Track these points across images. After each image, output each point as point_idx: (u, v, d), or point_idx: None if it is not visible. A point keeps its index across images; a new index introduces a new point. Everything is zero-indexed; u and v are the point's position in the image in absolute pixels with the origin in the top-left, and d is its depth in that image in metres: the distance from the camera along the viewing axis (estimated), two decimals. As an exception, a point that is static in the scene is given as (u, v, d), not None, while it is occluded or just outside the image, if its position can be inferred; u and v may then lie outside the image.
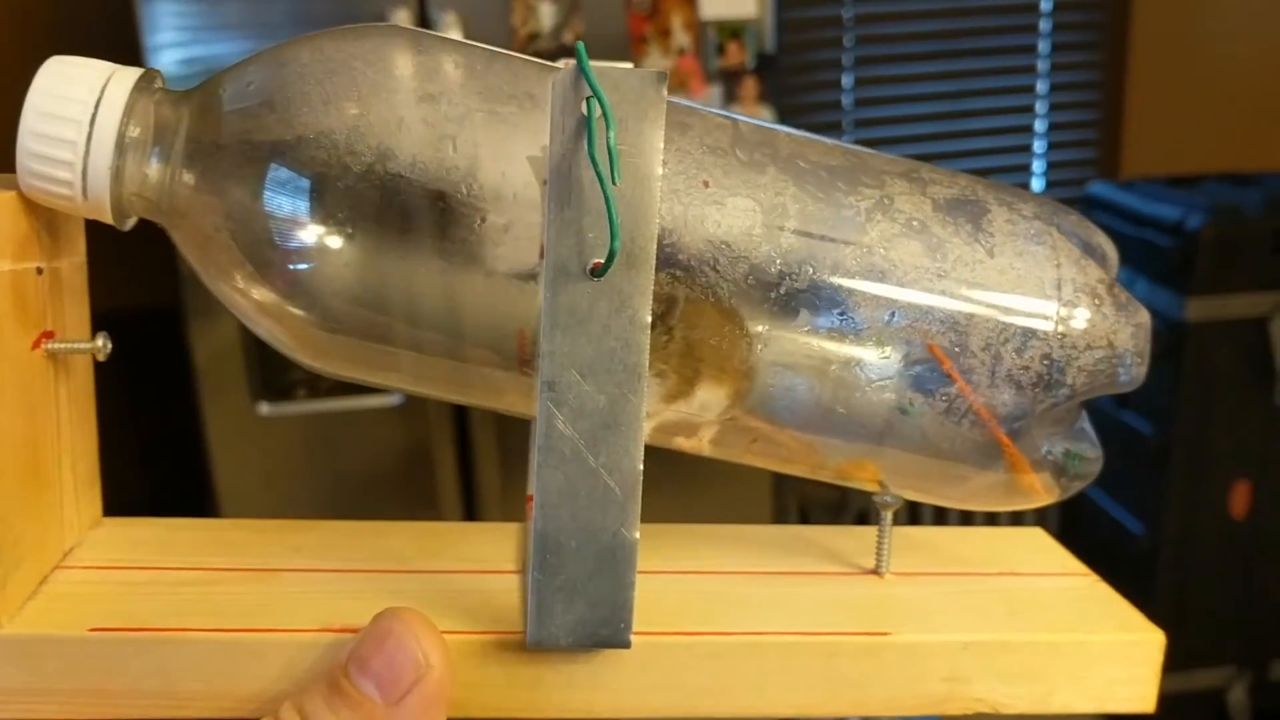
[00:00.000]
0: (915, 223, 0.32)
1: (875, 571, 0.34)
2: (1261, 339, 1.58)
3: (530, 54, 0.32)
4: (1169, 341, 1.61)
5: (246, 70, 0.29)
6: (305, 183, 0.28)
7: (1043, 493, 0.33)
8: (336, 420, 1.35)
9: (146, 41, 1.26)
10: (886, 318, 0.31)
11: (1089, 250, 0.33)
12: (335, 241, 0.28)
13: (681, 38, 1.30)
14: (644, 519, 0.35)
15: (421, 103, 0.29)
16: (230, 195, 0.28)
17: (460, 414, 1.36)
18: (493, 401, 0.32)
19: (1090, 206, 1.84)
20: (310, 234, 0.28)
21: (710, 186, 0.31)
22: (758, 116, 1.35)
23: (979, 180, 0.34)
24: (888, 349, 0.31)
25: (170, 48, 1.27)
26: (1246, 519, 1.67)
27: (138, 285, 1.41)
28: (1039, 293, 0.32)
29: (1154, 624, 0.32)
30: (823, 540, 0.37)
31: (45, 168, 0.28)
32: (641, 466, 0.28)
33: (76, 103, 0.28)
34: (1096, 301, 0.32)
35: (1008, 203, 0.33)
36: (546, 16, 1.25)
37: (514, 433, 1.35)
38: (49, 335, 0.30)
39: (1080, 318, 0.32)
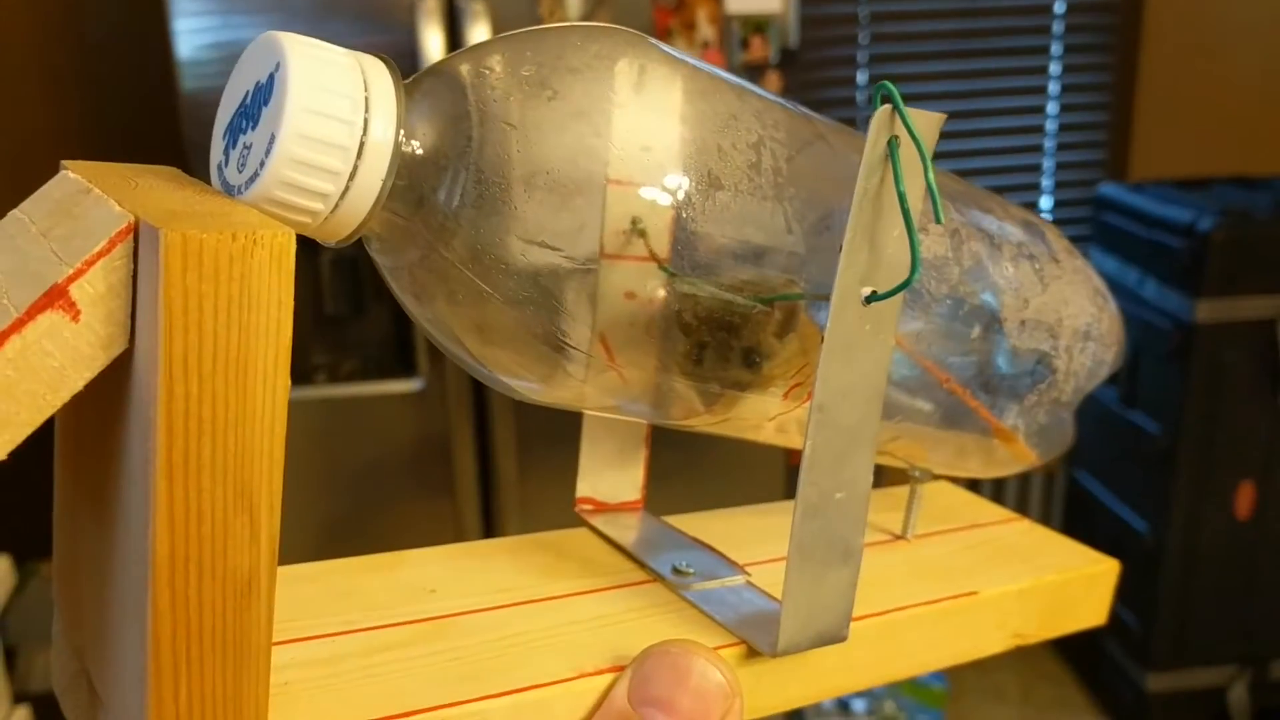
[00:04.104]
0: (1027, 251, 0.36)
1: (903, 536, 0.38)
2: (1270, 341, 1.60)
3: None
4: (1178, 342, 1.62)
5: (526, 63, 0.26)
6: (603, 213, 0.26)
7: (1033, 459, 0.40)
8: (356, 405, 1.35)
9: (173, 25, 1.27)
10: (1018, 328, 0.36)
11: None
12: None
13: (706, 31, 1.31)
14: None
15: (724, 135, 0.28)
16: (498, 225, 0.25)
17: (480, 401, 1.36)
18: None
19: (1101, 207, 1.85)
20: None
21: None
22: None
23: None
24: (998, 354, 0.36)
25: (196, 32, 1.28)
26: (1250, 519, 1.69)
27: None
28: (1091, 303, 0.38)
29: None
30: None
31: (306, 177, 0.23)
32: (872, 478, 0.29)
33: (345, 98, 0.23)
34: (1109, 304, 0.39)
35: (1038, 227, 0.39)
36: (573, 6, 1.25)
37: (532, 420, 1.36)
38: None
39: (1108, 320, 0.39)
